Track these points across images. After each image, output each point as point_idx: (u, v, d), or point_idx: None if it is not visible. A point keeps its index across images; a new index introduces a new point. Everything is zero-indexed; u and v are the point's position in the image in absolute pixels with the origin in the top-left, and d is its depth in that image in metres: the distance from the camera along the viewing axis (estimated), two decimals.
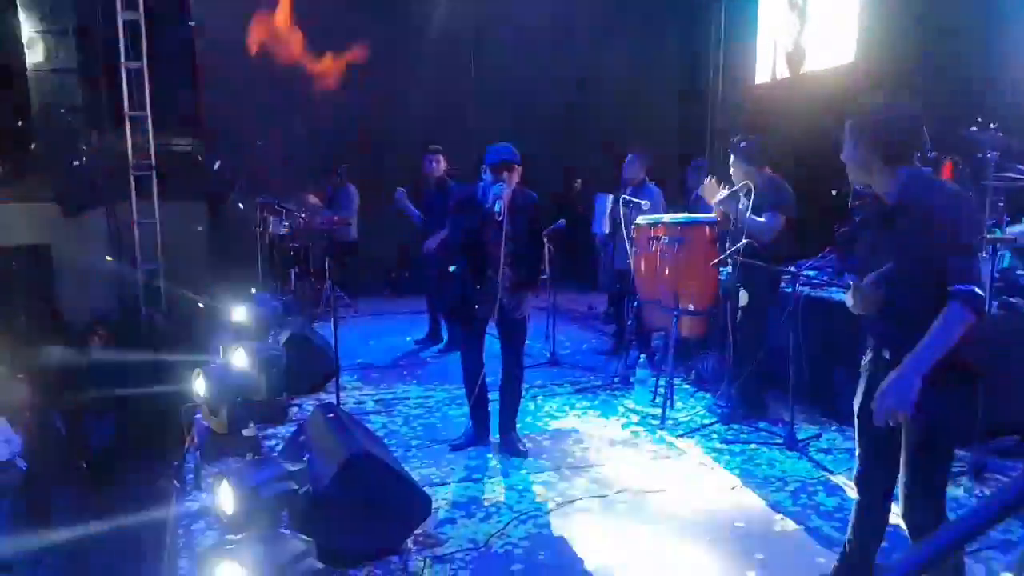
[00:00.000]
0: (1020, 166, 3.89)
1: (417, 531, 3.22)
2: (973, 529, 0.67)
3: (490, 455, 4.23)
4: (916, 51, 5.82)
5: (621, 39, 9.98)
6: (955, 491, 3.56)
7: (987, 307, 3.67)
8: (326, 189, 8.27)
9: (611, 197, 6.01)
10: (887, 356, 2.34)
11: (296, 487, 2.63)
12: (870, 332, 2.47)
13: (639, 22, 10.12)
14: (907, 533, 2.44)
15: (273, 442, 4.35)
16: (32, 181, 8.19)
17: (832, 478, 3.89)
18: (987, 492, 3.64)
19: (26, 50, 7.67)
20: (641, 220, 5.09)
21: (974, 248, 2.24)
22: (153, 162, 8.08)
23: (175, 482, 3.90)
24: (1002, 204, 4.18)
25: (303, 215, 7.85)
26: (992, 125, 3.94)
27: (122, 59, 7.81)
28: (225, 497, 2.72)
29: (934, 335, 2.12)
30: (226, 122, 8.61)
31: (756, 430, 4.56)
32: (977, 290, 2.12)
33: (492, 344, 4.36)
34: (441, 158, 6.43)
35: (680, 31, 10.43)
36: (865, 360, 2.51)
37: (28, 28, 7.68)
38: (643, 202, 5.49)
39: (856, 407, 2.52)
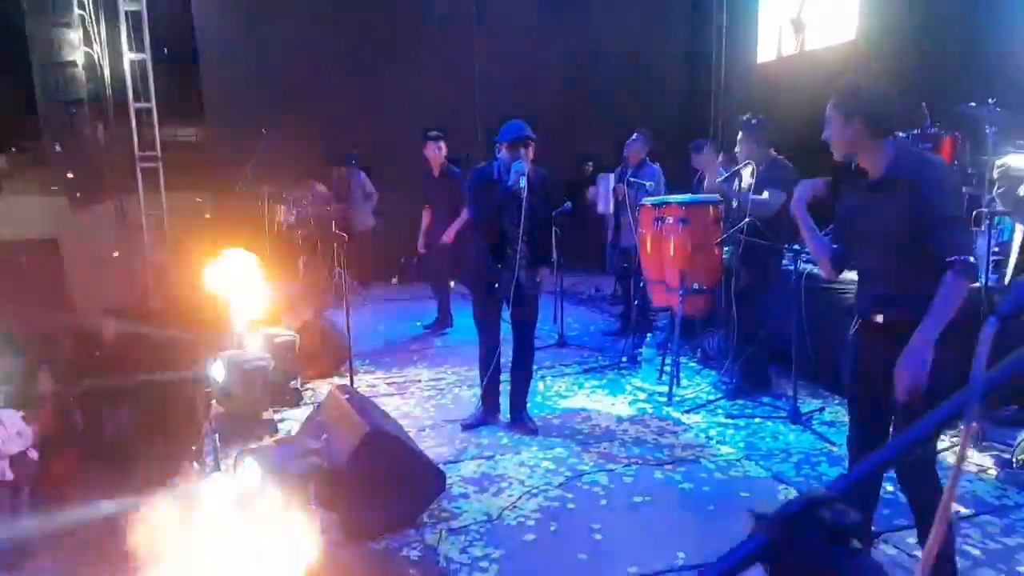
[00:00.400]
0: (1019, 141, 3.94)
1: (432, 505, 3.33)
2: (907, 445, 0.76)
3: (501, 433, 4.33)
4: (916, 28, 5.86)
5: (625, 21, 9.99)
6: (955, 460, 3.66)
7: (985, 279, 3.75)
8: (334, 178, 8.33)
9: (612, 176, 6.07)
10: (879, 320, 2.44)
11: (320, 462, 2.74)
12: (861, 298, 2.56)
13: (644, 3, 10.14)
14: (906, 499, 2.53)
15: (288, 424, 4.45)
16: (39, 174, 8.28)
17: (835, 450, 3.99)
18: (987, 460, 3.73)
19: (30, 43, 7.73)
20: (646, 201, 5.17)
21: (963, 218, 2.35)
22: (159, 153, 8.15)
23: (195, 464, 4.01)
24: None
25: (310, 203, 7.93)
26: (990, 100, 3.99)
27: (125, 50, 7.87)
28: (251, 475, 2.83)
29: (936, 307, 2.23)
30: (231, 113, 8.68)
31: (760, 404, 4.66)
32: (970, 259, 2.22)
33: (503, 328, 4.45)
34: (443, 144, 6.48)
35: (684, 12, 10.45)
36: (853, 328, 2.61)
37: (32, 21, 7.73)
38: (647, 183, 5.58)
39: (847, 375, 2.63)
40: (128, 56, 7.85)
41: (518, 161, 3.99)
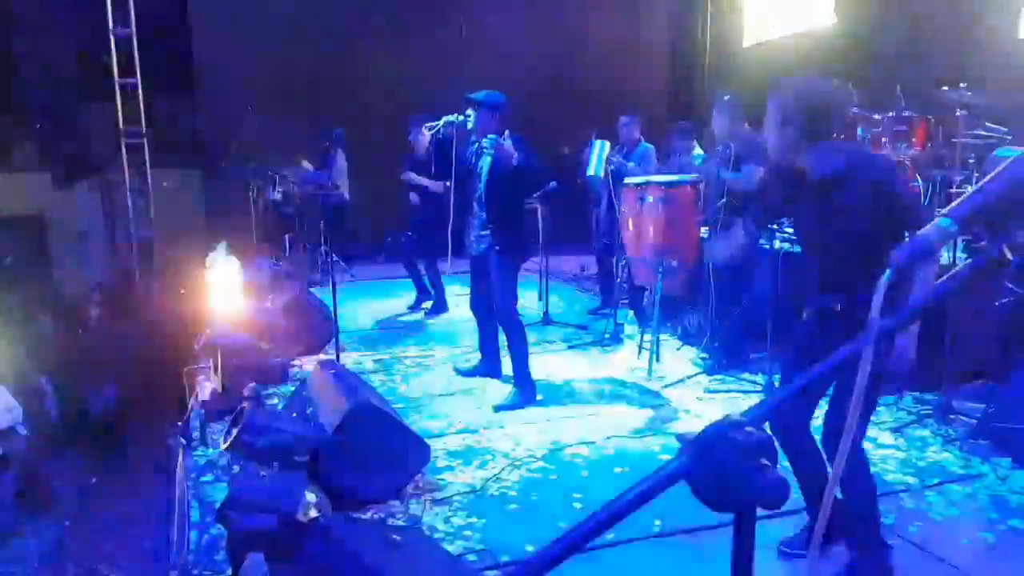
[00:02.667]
0: (989, 124, 4.04)
1: (417, 477, 3.42)
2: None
3: (485, 408, 4.42)
4: (893, 13, 5.96)
5: (610, 4, 10.01)
6: (922, 431, 3.79)
7: (953, 258, 3.87)
8: (320, 155, 8.35)
9: (608, 144, 6.11)
10: (838, 307, 2.50)
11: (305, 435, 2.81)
12: (814, 288, 2.59)
13: None
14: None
15: (274, 401, 4.51)
16: (23, 151, 8.23)
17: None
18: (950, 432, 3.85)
19: (16, 19, 7.65)
20: (629, 180, 5.25)
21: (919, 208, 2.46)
22: (144, 130, 8.10)
23: (181, 439, 4.07)
24: (972, 161, 4.34)
25: (295, 181, 7.95)
26: (962, 84, 4.08)
27: (110, 26, 7.79)
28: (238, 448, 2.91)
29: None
30: (218, 88, 8.65)
31: (738, 379, 4.77)
32: None
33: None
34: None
35: None
36: (806, 315, 2.64)
37: None
38: (629, 163, 5.68)
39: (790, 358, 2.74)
40: (113, 31, 7.77)
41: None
